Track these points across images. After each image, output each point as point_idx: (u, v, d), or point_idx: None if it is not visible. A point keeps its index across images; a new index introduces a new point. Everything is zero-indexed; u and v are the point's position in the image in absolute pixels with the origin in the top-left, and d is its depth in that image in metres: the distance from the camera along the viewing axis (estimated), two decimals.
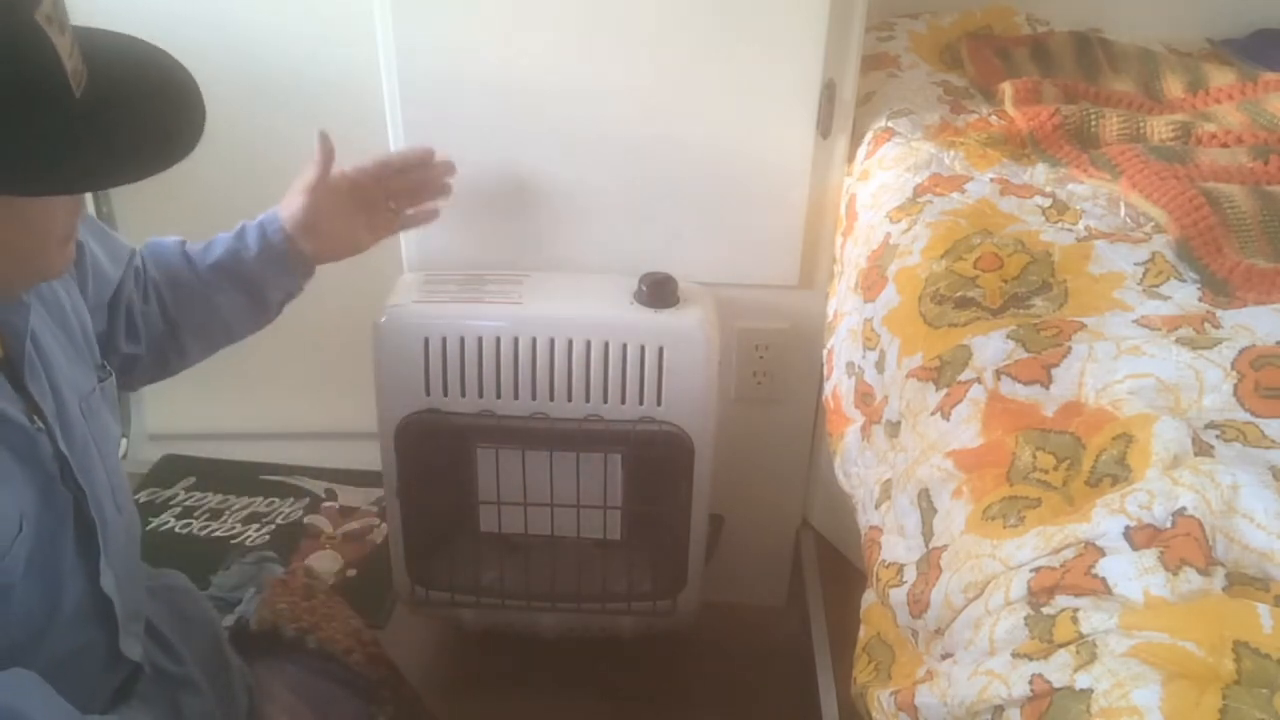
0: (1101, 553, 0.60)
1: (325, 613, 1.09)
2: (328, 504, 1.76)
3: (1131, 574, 0.58)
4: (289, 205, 1.11)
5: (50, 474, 0.80)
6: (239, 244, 1.09)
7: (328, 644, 1.05)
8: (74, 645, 0.83)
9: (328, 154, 1.12)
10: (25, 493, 0.77)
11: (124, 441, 1.80)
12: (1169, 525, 0.60)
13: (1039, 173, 1.10)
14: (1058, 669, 0.57)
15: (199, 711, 0.94)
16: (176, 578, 1.05)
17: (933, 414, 0.82)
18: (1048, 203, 1.03)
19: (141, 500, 1.72)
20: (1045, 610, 0.60)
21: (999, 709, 0.60)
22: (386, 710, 1.06)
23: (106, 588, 0.84)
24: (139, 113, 0.72)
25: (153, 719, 0.89)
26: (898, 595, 0.77)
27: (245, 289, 1.10)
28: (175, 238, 1.10)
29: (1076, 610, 0.58)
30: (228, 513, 1.73)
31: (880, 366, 0.96)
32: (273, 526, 1.70)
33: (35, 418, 0.79)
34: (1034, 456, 0.71)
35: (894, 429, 0.90)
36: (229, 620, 1.08)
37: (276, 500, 1.77)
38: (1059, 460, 0.70)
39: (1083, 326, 0.81)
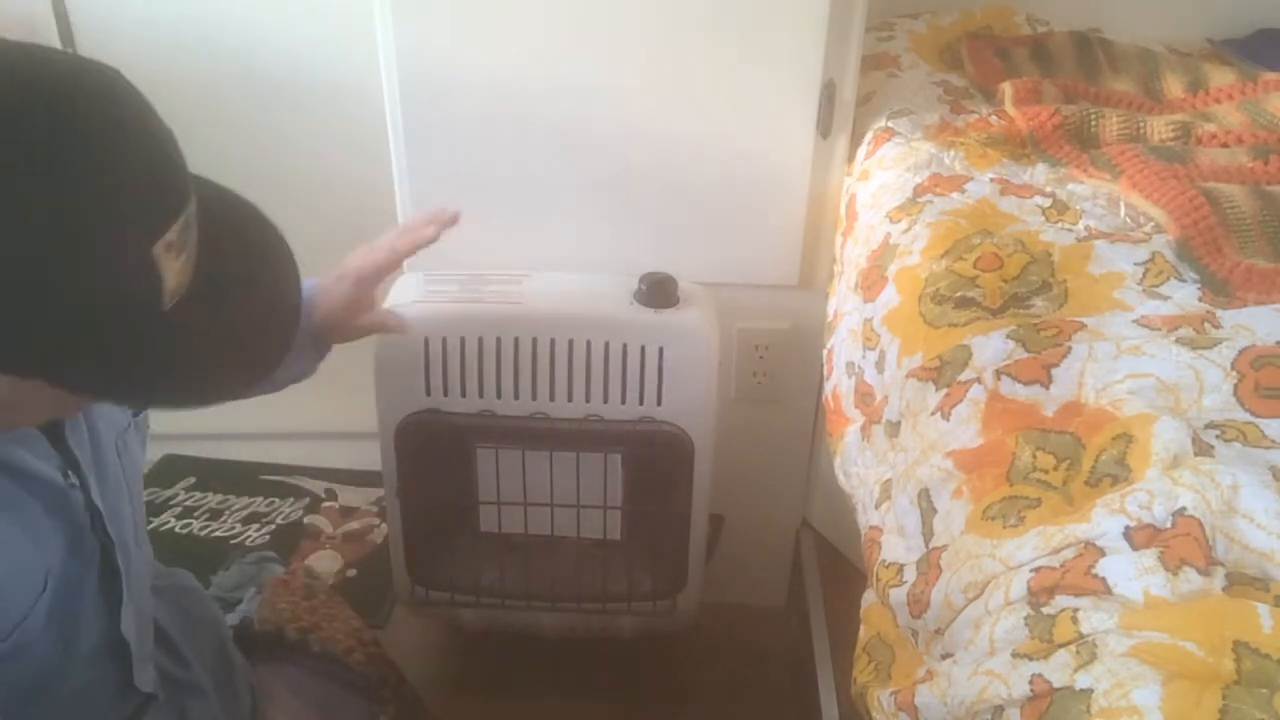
0: (1101, 553, 0.60)
1: (326, 613, 1.09)
2: (328, 504, 1.76)
3: (1131, 574, 0.58)
4: (331, 294, 1.02)
5: (80, 524, 0.78)
6: None
7: (329, 644, 1.05)
8: (87, 681, 0.82)
9: (417, 243, 1.04)
10: (53, 546, 0.75)
11: None
12: (1169, 525, 0.60)
13: (1039, 173, 1.10)
14: (1058, 669, 0.57)
15: (205, 718, 0.94)
16: (184, 577, 1.04)
17: (933, 414, 0.82)
18: (1048, 203, 1.03)
19: None
20: (1045, 610, 0.60)
21: (999, 709, 0.60)
22: (388, 710, 1.06)
23: (126, 631, 0.83)
24: (224, 334, 0.68)
25: None
26: (898, 595, 0.77)
27: None
28: None
29: (1076, 610, 0.58)
30: (228, 513, 1.73)
31: (880, 366, 0.96)
32: (273, 526, 1.70)
33: (70, 473, 0.77)
34: (1034, 456, 0.71)
35: (894, 429, 0.90)
36: (232, 620, 1.08)
37: (276, 500, 1.77)
38: (1059, 460, 0.70)
39: (1083, 326, 0.81)
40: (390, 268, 1.05)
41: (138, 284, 0.61)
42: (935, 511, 0.76)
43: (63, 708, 0.74)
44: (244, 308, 0.70)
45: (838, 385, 1.08)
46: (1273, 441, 0.67)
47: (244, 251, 0.71)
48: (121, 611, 0.82)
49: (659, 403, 1.25)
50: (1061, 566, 0.61)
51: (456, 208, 1.05)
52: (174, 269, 0.62)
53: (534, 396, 1.26)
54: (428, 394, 1.26)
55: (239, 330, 0.69)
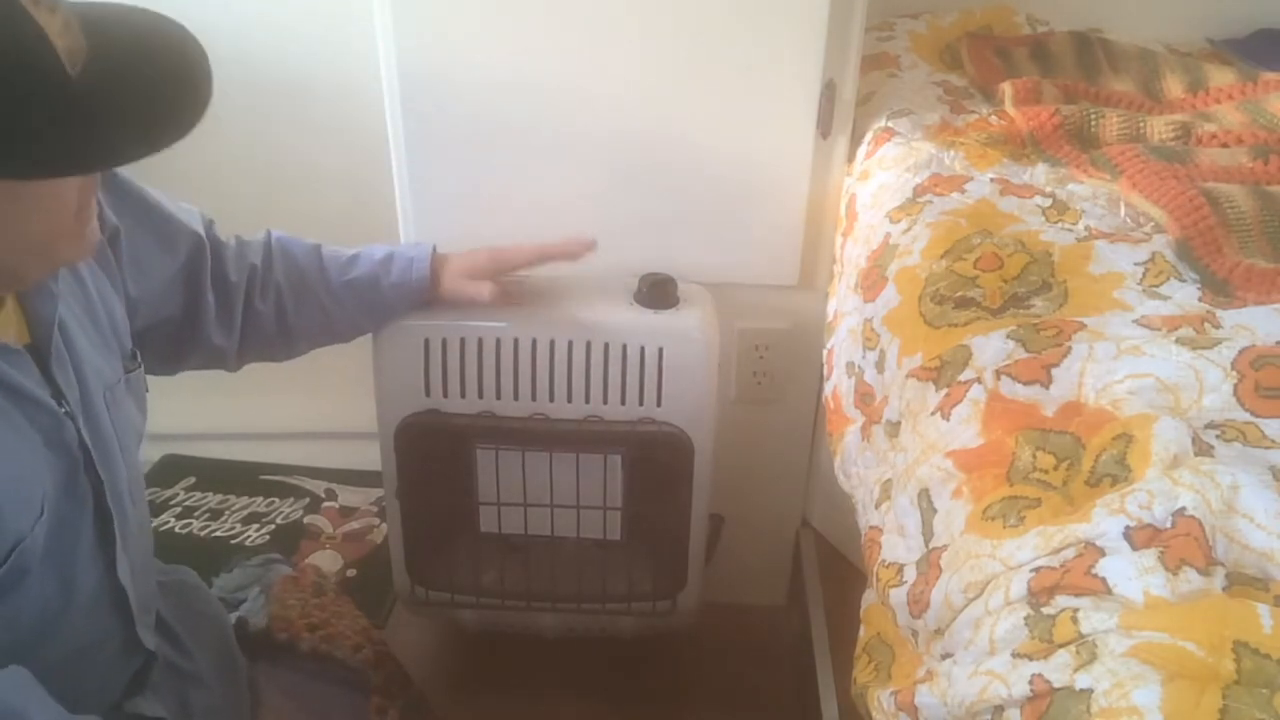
0: (1101, 553, 0.60)
1: (335, 610, 1.09)
2: (328, 504, 1.76)
3: (1131, 574, 0.58)
4: (456, 268, 1.17)
5: (74, 460, 0.80)
6: (380, 272, 1.15)
7: (338, 640, 1.05)
8: (90, 636, 0.83)
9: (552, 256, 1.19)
10: (49, 476, 0.77)
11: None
12: (1169, 525, 0.60)
13: (1039, 173, 1.10)
14: (1058, 669, 0.57)
15: (207, 707, 0.94)
16: (186, 574, 1.06)
17: (933, 414, 0.82)
18: (1048, 203, 1.03)
19: None
20: (1045, 610, 0.60)
21: (999, 709, 0.60)
22: (395, 707, 1.06)
23: (122, 578, 0.84)
24: (141, 88, 0.71)
25: (164, 710, 0.89)
26: (898, 595, 0.77)
27: (367, 311, 1.18)
28: (312, 241, 1.15)
29: (1076, 610, 0.58)
30: (228, 513, 1.73)
31: (880, 366, 0.96)
32: (273, 526, 1.70)
33: (63, 402, 0.79)
34: (1034, 456, 0.71)
35: (894, 429, 0.90)
36: (231, 619, 1.08)
37: (276, 500, 1.77)
38: (1059, 460, 0.70)
39: (1083, 326, 0.81)
40: (529, 263, 1.19)
41: (27, 44, 0.63)
42: (935, 511, 0.76)
43: (68, 664, 0.75)
44: (149, 62, 0.72)
45: (838, 385, 1.08)
46: (1273, 441, 0.67)
47: (117, 17, 0.73)
48: (116, 558, 0.84)
49: (659, 403, 1.25)
50: (1061, 566, 0.61)
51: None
52: (54, 24, 0.65)
53: (534, 397, 1.26)
54: (427, 394, 1.26)
55: (155, 79, 0.72)
